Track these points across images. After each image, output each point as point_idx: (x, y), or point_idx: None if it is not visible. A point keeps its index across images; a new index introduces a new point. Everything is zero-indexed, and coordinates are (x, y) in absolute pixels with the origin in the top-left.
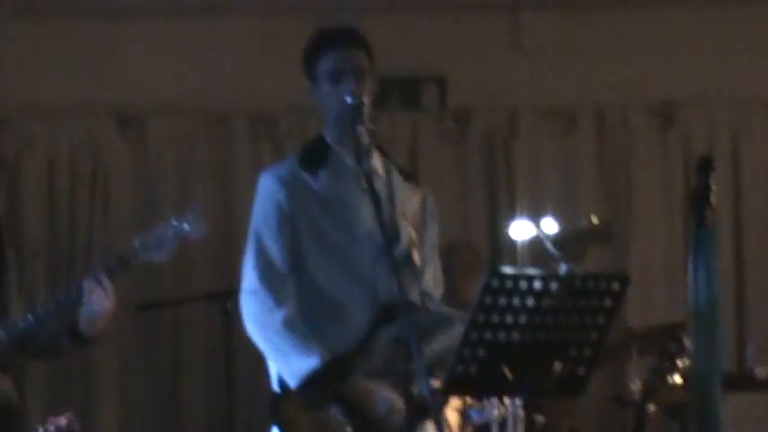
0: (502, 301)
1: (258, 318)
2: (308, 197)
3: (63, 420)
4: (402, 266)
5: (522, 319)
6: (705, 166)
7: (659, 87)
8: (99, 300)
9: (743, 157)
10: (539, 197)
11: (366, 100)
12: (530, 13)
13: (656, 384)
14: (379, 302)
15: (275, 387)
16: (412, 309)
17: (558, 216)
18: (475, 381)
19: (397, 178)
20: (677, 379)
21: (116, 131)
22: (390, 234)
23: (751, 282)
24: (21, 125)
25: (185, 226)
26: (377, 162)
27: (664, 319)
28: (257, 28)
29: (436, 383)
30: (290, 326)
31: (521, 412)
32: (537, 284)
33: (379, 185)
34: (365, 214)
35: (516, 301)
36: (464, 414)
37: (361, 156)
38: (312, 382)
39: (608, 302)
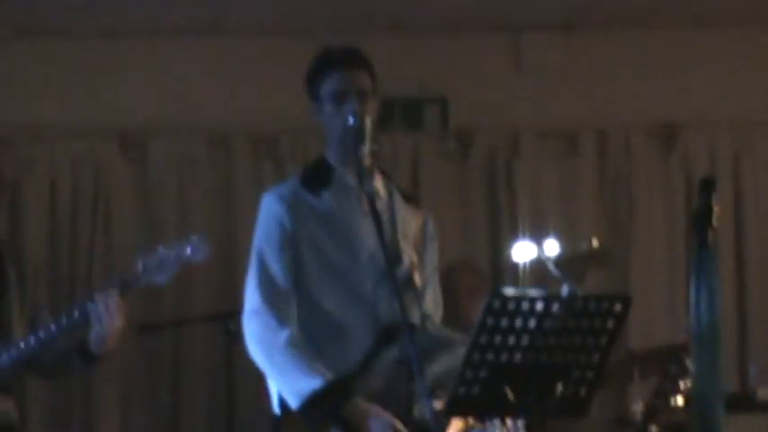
0: (504, 322)
1: (261, 337)
2: (311, 217)
3: None
4: (403, 288)
5: (525, 340)
6: (707, 187)
7: (661, 108)
8: (110, 318)
9: (745, 179)
10: (540, 218)
11: (368, 121)
12: (531, 34)
13: (658, 406)
14: (380, 324)
15: (276, 409)
16: (413, 330)
17: (560, 237)
18: (477, 402)
19: (398, 200)
20: (679, 400)
21: (117, 152)
22: (392, 255)
23: (753, 303)
24: (22, 146)
25: (188, 249)
26: (378, 183)
27: (665, 341)
28: (259, 48)
29: (438, 405)
30: (293, 345)
31: None
32: (539, 306)
33: (381, 207)
34: (367, 235)
35: (518, 322)
36: None
37: (363, 176)
38: (313, 403)
39: (610, 323)
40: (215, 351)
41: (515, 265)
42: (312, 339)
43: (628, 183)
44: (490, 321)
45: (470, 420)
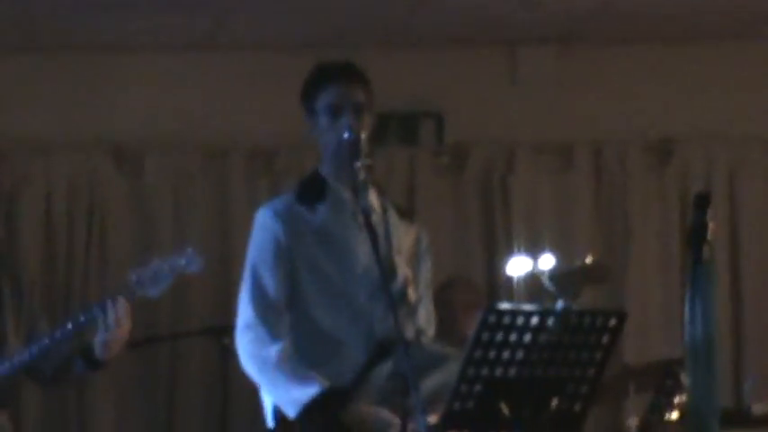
0: (499, 336)
1: (252, 353)
2: (306, 232)
3: None
4: (398, 303)
5: (519, 354)
6: (702, 202)
7: (656, 124)
8: (117, 324)
9: (740, 194)
10: (536, 233)
11: (364, 135)
12: (527, 49)
13: (653, 421)
14: (375, 338)
15: (270, 422)
16: (407, 345)
17: (556, 252)
18: (472, 417)
19: (393, 215)
20: (674, 415)
21: (113, 166)
22: (387, 270)
23: (748, 318)
24: (17, 160)
25: (182, 261)
26: (373, 198)
27: (660, 356)
28: (255, 63)
29: (433, 419)
30: (284, 359)
31: None
32: (534, 320)
33: (376, 221)
34: (362, 250)
35: (513, 336)
36: None
37: (358, 191)
38: (312, 411)
39: (605, 338)
40: (210, 365)
41: (510, 280)
42: (307, 353)
43: (623, 197)
44: (485, 336)
45: None
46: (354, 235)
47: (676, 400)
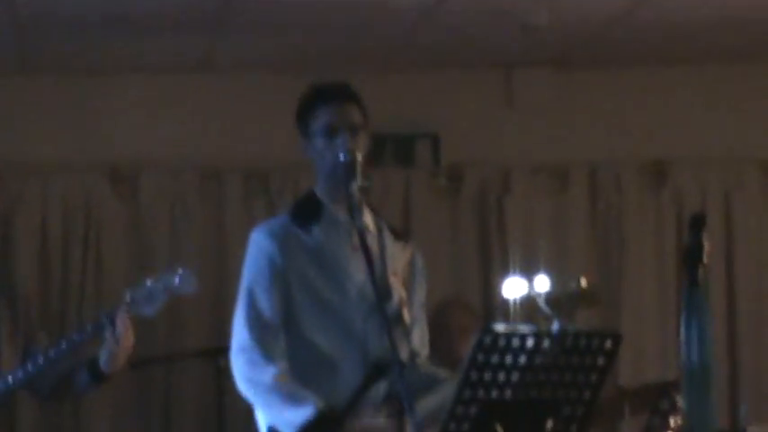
0: (494, 358)
1: (248, 375)
2: (301, 252)
3: None
4: (393, 324)
5: (515, 376)
6: (697, 223)
7: (651, 145)
8: (121, 336)
9: (735, 216)
10: (531, 254)
11: (359, 156)
12: (523, 71)
13: None
14: (370, 359)
15: None
16: (402, 366)
17: (551, 273)
18: None
19: (387, 236)
20: None
21: (108, 187)
22: (382, 291)
23: (744, 341)
24: (13, 181)
25: (176, 281)
26: (368, 219)
27: (656, 378)
28: (250, 84)
29: None
30: (280, 381)
31: None
32: (529, 342)
33: (371, 242)
34: (357, 270)
35: (509, 358)
36: None
37: (354, 212)
38: (309, 431)
39: (601, 360)
40: (206, 386)
41: (506, 302)
42: (302, 374)
43: (618, 219)
44: (481, 357)
45: None
46: (349, 256)
47: (671, 422)
